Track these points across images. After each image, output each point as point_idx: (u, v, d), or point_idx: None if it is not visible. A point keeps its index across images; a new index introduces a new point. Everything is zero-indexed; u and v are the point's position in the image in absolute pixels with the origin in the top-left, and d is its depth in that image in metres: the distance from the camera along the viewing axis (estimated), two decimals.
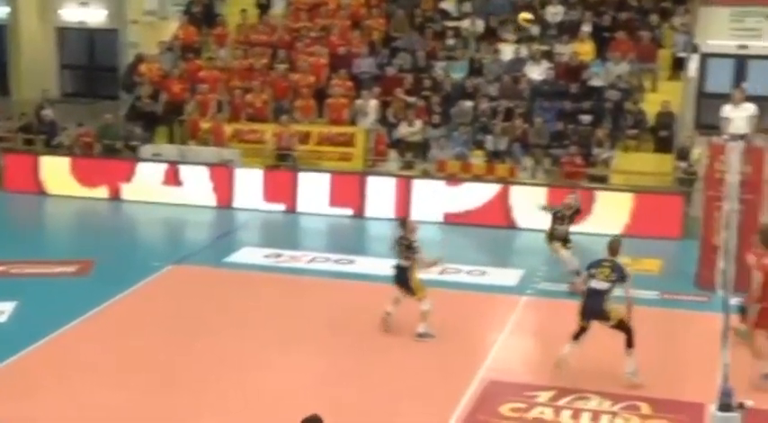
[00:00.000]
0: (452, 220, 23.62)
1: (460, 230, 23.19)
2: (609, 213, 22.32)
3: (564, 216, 18.70)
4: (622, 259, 14.77)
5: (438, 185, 24.06)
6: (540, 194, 22.44)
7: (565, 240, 18.69)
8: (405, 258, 15.81)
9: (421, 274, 16.06)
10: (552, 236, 18.73)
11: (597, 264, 14.51)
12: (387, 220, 22.40)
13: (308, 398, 13.20)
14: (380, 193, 24.13)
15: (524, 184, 23.94)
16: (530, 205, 21.57)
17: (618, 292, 14.29)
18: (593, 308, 14.36)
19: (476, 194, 23.74)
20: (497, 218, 23.41)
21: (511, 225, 23.36)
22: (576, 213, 18.96)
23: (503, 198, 23.50)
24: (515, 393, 14.04)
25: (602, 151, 24.61)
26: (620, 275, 14.32)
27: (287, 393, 13.69)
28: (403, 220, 16.35)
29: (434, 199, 23.80)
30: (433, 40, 28.18)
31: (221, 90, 27.55)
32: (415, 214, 21.79)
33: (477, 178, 24.37)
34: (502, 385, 14.38)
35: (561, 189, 21.88)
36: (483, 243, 22.87)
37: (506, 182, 23.95)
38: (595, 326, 14.43)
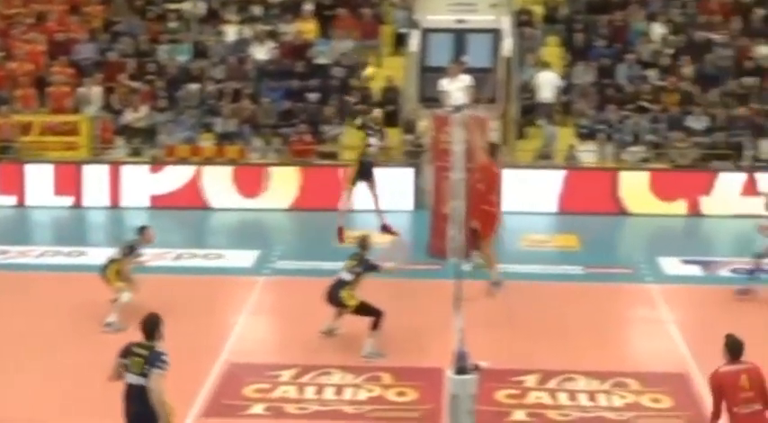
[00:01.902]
0: (158, 204, 23.51)
1: (167, 214, 23.00)
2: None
3: None
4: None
5: (144, 170, 23.95)
6: (226, 174, 23.28)
7: None
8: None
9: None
10: None
11: (349, 257, 14.96)
12: (103, 209, 22.57)
13: (28, 395, 12.84)
14: (98, 182, 23.81)
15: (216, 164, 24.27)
16: (222, 186, 22.71)
17: None
18: (331, 297, 14.73)
19: (175, 177, 23.80)
20: (193, 199, 23.62)
21: (204, 206, 23.60)
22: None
23: (196, 180, 23.68)
24: (258, 374, 13.96)
25: (330, 128, 24.82)
26: (366, 267, 14.67)
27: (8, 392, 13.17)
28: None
29: (141, 183, 23.75)
30: (154, 23, 27.62)
31: None
32: (125, 200, 22.93)
33: (183, 161, 24.30)
34: (244, 367, 14.28)
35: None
36: (210, 226, 23.16)
37: (199, 163, 24.10)
38: None
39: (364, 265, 14.79)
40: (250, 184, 23.58)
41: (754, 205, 21.07)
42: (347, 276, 14.73)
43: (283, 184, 23.59)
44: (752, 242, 17.87)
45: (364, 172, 17.32)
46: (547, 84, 25.28)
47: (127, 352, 10.37)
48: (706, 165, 23.89)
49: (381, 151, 18.31)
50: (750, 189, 22.39)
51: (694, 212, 22.95)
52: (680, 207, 23.07)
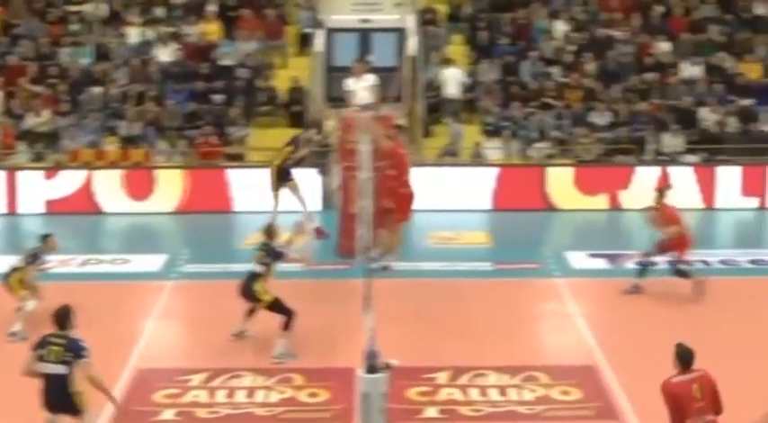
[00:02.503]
0: (53, 210, 23.21)
1: (63, 220, 22.58)
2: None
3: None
4: (286, 235, 15.08)
5: (39, 176, 23.60)
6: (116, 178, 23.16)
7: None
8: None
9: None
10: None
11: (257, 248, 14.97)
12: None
13: None
14: None
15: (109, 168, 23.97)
16: (112, 190, 22.58)
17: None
18: (245, 291, 14.65)
19: (69, 182, 23.49)
20: (86, 204, 23.32)
21: (97, 211, 23.32)
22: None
23: (88, 185, 23.41)
24: (168, 379, 13.84)
25: (236, 130, 24.67)
26: (273, 255, 14.57)
27: None
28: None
29: (37, 189, 23.40)
30: (55, 25, 27.17)
31: None
32: (21, 206, 22.76)
33: (83, 166, 23.93)
34: (154, 372, 14.14)
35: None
36: (107, 230, 23.02)
37: (92, 168, 23.76)
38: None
39: (271, 253, 14.73)
40: (139, 187, 23.37)
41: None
42: (258, 268, 14.67)
43: (169, 186, 23.41)
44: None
45: (283, 176, 17.42)
46: (452, 80, 25.44)
47: (42, 343, 10.33)
48: (623, 159, 24.23)
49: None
50: (664, 182, 22.86)
51: (615, 206, 23.25)
52: (601, 201, 23.36)
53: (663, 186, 17.95)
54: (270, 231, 15.07)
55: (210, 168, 23.90)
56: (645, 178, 22.97)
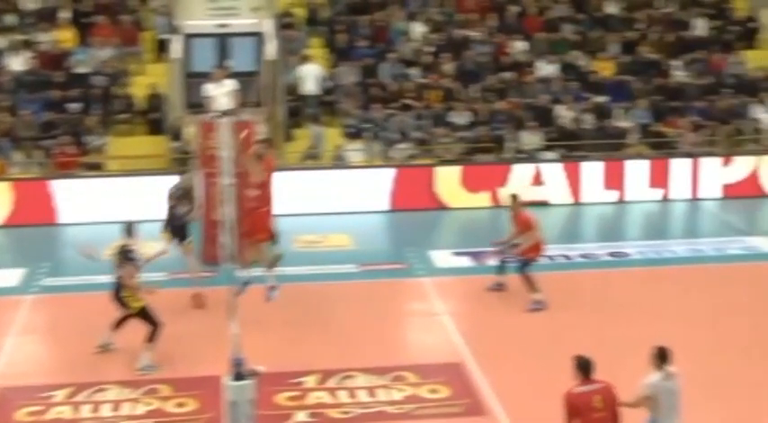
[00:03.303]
0: None
1: None
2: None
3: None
4: (136, 244, 14.85)
5: None
6: None
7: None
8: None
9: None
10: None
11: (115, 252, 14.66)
12: None
13: None
14: None
15: None
16: None
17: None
18: (116, 298, 14.41)
19: None
20: None
21: None
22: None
23: None
24: (30, 396, 13.53)
25: (94, 138, 24.21)
26: (126, 257, 14.33)
27: None
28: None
29: None
30: None
31: None
32: None
33: None
34: (15, 390, 13.81)
35: None
36: None
37: None
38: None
39: (125, 255, 14.46)
40: None
41: (538, 193, 23.02)
42: (119, 272, 14.41)
43: None
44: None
45: (176, 232, 17.12)
46: (311, 76, 25.46)
47: None
48: (502, 158, 24.49)
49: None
50: (538, 179, 23.52)
51: (496, 204, 23.45)
52: (484, 199, 23.59)
53: (516, 193, 17.92)
54: (129, 229, 14.85)
55: (35, 180, 23.06)
56: (521, 175, 23.45)
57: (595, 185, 23.87)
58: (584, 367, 10.44)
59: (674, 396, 10.85)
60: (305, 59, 25.82)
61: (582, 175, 23.88)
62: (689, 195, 24.07)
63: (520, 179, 23.41)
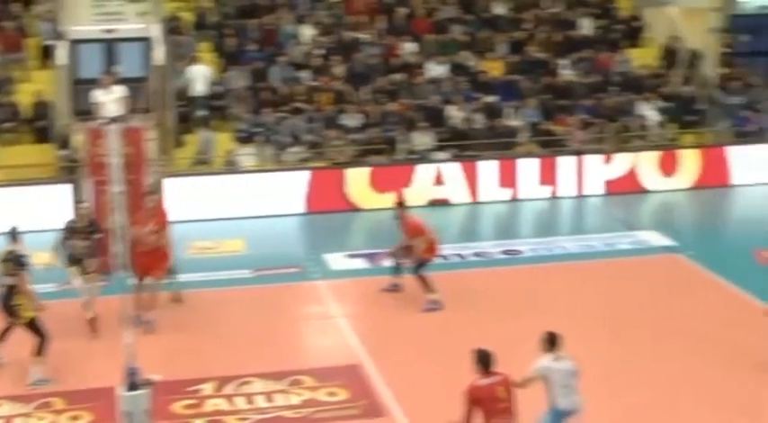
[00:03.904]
0: None
1: None
2: None
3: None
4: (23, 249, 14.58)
5: None
6: None
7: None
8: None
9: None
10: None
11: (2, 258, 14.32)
12: None
13: None
14: None
15: None
16: None
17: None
18: (5, 307, 14.06)
19: None
20: None
21: None
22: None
23: None
24: None
25: None
26: (17, 263, 14.08)
27: None
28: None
29: None
30: None
31: None
32: None
33: None
34: None
35: None
36: None
37: None
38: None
39: (18, 262, 14.18)
40: None
41: (443, 192, 23.45)
42: (8, 281, 14.07)
43: None
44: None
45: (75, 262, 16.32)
46: (200, 77, 25.28)
47: None
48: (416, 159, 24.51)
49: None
50: (439, 179, 23.78)
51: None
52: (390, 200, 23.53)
53: (401, 200, 17.83)
54: (14, 235, 14.56)
55: None
56: (423, 176, 23.71)
57: (491, 184, 24.09)
58: (484, 360, 10.60)
59: (569, 377, 11.25)
60: (193, 60, 25.62)
61: (479, 175, 24.07)
62: (575, 192, 24.44)
63: (422, 180, 23.60)
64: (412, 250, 17.04)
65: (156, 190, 17.79)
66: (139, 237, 16.00)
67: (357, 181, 23.67)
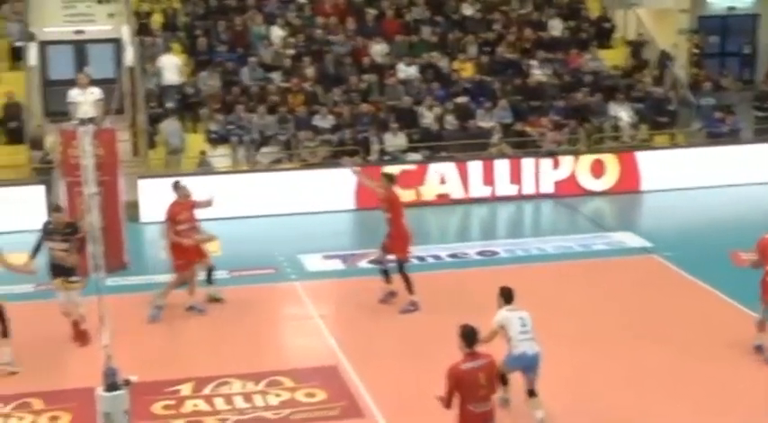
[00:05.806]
0: None
1: None
2: None
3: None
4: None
5: None
6: None
7: None
8: None
9: None
10: None
11: None
12: None
13: None
14: None
15: None
16: None
17: None
18: None
19: None
20: None
21: None
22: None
23: None
24: None
25: None
26: None
27: None
28: None
29: None
30: None
31: None
32: None
33: None
34: None
35: None
36: None
37: None
38: None
39: None
40: None
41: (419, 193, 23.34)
42: None
43: None
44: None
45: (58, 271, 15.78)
46: (171, 66, 25.31)
47: None
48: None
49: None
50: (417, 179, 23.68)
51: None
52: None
53: (392, 174, 17.79)
54: None
55: None
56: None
57: (466, 184, 24.02)
58: (468, 336, 10.63)
59: (524, 324, 12.21)
60: (165, 50, 25.64)
61: (452, 176, 23.99)
62: (548, 192, 24.40)
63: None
64: (389, 245, 16.87)
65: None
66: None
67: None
